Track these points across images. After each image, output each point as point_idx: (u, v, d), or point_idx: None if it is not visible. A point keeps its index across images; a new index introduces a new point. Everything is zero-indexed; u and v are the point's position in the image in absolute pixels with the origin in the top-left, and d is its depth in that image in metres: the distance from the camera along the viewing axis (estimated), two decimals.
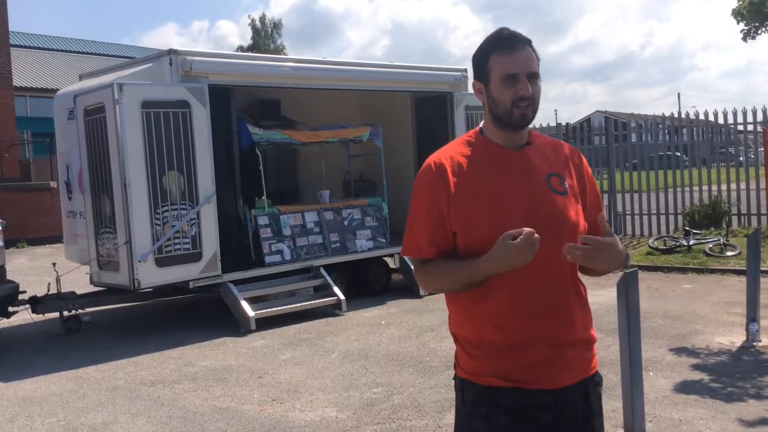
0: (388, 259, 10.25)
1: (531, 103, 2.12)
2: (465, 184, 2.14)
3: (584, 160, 2.30)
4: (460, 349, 2.22)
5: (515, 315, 2.09)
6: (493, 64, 2.13)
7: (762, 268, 7.59)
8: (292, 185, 11.63)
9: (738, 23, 11.41)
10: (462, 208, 2.12)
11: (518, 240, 1.95)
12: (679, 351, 6.38)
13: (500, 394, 2.11)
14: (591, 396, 2.19)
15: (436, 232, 2.16)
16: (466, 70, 10.85)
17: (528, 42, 2.15)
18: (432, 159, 2.22)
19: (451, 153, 2.21)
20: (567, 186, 2.18)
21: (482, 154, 2.18)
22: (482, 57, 2.17)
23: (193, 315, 9.35)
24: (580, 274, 2.22)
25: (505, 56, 2.11)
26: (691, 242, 11.40)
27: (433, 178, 2.17)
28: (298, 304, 8.67)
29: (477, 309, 2.13)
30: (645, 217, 13.68)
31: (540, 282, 2.09)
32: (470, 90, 12.88)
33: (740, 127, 13.49)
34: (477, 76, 2.21)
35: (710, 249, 11.02)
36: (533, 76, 2.13)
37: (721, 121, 13.40)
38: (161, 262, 7.84)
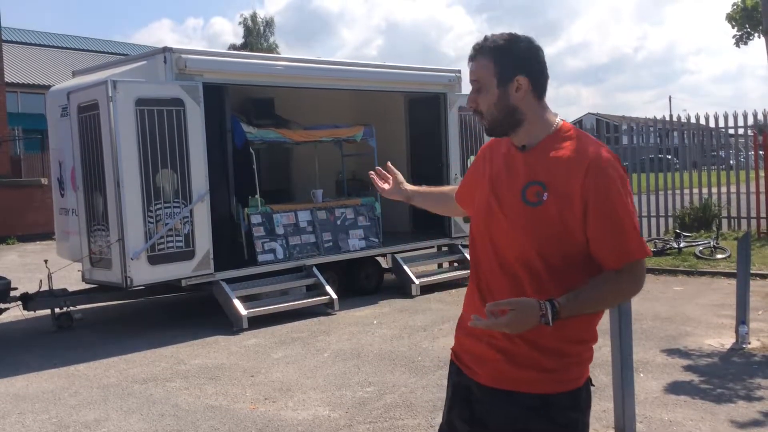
0: (380, 259, 10.26)
1: (475, 112, 2.19)
2: (475, 171, 2.36)
3: (608, 180, 2.01)
4: None
5: (468, 305, 2.26)
6: None
7: (752, 271, 7.66)
8: (286, 184, 11.63)
9: (732, 27, 11.50)
10: (466, 189, 2.45)
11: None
12: (670, 352, 6.43)
13: (452, 368, 2.32)
14: (533, 417, 2.06)
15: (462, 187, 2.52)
16: (459, 71, 10.87)
17: (481, 50, 2.14)
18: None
19: (492, 142, 2.34)
20: (545, 199, 2.03)
21: (499, 148, 2.27)
22: None
23: (186, 313, 9.35)
24: None
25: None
26: (681, 245, 11.47)
27: (477, 156, 2.42)
28: (291, 303, 8.67)
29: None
30: None
31: (486, 287, 2.17)
32: (464, 91, 12.70)
33: (731, 131, 13.60)
34: None
35: (700, 252, 11.09)
36: (475, 86, 2.17)
37: (712, 124, 13.49)
38: (154, 260, 7.83)
